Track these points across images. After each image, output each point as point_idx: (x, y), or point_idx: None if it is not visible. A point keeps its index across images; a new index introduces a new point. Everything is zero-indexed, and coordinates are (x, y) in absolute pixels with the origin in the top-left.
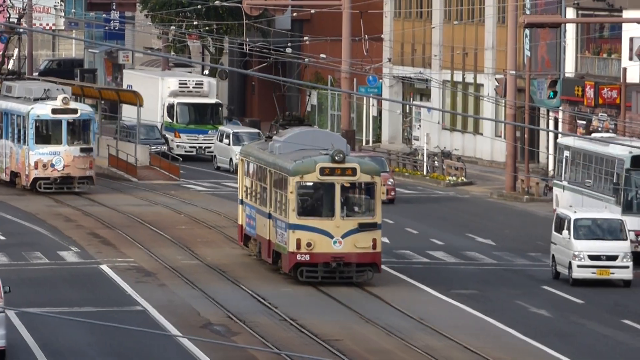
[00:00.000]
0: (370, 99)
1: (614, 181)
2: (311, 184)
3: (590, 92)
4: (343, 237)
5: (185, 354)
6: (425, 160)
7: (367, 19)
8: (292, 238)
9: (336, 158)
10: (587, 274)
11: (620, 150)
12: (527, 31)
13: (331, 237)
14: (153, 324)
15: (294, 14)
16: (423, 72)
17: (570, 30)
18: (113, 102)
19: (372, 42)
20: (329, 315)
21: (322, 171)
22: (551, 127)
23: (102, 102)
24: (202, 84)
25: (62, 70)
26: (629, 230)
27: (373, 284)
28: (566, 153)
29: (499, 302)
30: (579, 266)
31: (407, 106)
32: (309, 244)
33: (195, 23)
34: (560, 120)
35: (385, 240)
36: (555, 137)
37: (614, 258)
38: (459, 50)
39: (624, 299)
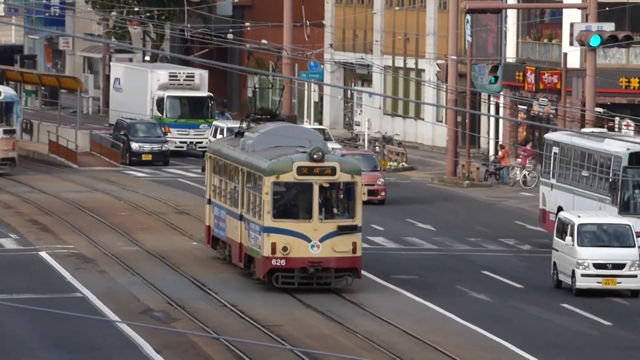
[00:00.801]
0: (312, 84)
1: (611, 180)
2: (288, 184)
3: (531, 77)
4: (321, 240)
5: (125, 340)
6: (366, 145)
7: (309, 5)
8: (266, 242)
9: (314, 156)
10: (591, 283)
11: (617, 146)
12: (468, 17)
13: (308, 240)
14: (93, 311)
15: (235, 0)
16: (364, 57)
17: (511, 15)
18: (53, 88)
19: (313, 28)
20: (269, 301)
21: (300, 170)
22: (492, 112)
23: (43, 88)
24: (193, 77)
25: (2, 56)
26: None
27: None
28: (555, 149)
29: (439, 287)
30: (583, 275)
31: (349, 92)
32: (284, 248)
33: (136, 9)
34: (501, 105)
35: None
36: (497, 122)
37: (621, 266)
38: (401, 36)
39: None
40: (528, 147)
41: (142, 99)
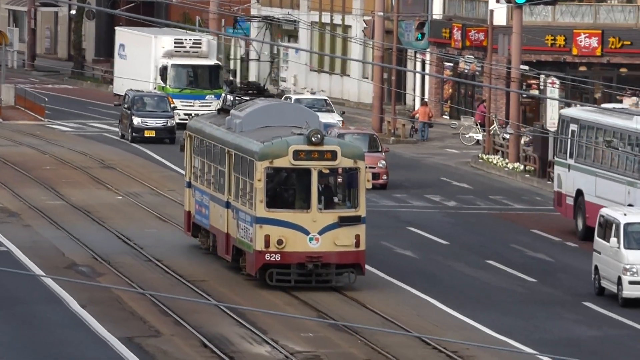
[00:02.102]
0: (239, 40)
1: None
2: (283, 169)
3: (457, 35)
4: (320, 233)
5: (50, 295)
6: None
7: None
8: (259, 234)
9: (313, 139)
10: None
11: None
12: None
13: (307, 233)
14: (17, 265)
15: None
16: (291, 13)
17: None
18: None
19: None
20: (194, 257)
21: (296, 155)
22: (418, 69)
23: None
24: (200, 44)
25: None
26: None
27: None
28: (573, 127)
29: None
30: (631, 282)
31: (275, 47)
32: (279, 242)
33: None
34: (427, 62)
35: None
36: (422, 79)
37: None
38: None
39: (487, 241)
40: (483, 106)
41: (146, 67)
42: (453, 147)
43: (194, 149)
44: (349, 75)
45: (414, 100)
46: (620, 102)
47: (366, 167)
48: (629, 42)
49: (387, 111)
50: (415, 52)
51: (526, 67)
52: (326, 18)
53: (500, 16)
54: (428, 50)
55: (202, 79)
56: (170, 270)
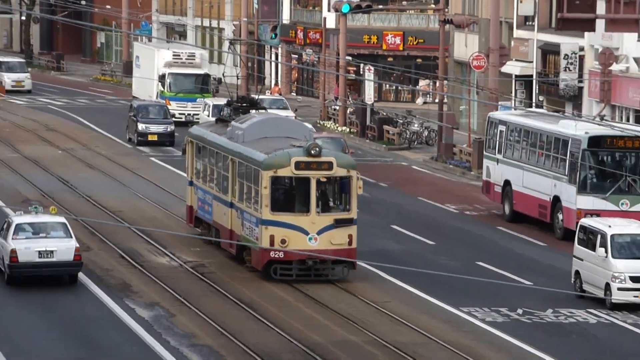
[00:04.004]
0: (145, 37)
1: (571, 160)
2: (285, 178)
3: (300, 34)
4: (318, 233)
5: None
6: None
7: None
8: (265, 234)
9: (312, 152)
10: (629, 297)
11: (575, 129)
12: None
13: (306, 233)
14: None
15: None
16: (181, 19)
17: None
18: None
19: None
20: (116, 192)
21: (298, 165)
22: (273, 59)
23: None
24: (194, 56)
25: None
26: (581, 209)
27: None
28: (501, 127)
29: None
30: (619, 289)
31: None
32: (283, 241)
33: None
34: (279, 54)
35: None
36: (277, 67)
37: None
38: (207, 3)
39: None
40: (337, 87)
41: (151, 75)
42: (309, 114)
43: (195, 153)
44: (224, 64)
45: (270, 81)
46: (417, 83)
47: (358, 175)
48: (422, 40)
49: (251, 89)
50: (271, 47)
51: (350, 58)
52: (206, 22)
53: (331, 21)
54: (279, 45)
55: (193, 85)
56: (97, 204)
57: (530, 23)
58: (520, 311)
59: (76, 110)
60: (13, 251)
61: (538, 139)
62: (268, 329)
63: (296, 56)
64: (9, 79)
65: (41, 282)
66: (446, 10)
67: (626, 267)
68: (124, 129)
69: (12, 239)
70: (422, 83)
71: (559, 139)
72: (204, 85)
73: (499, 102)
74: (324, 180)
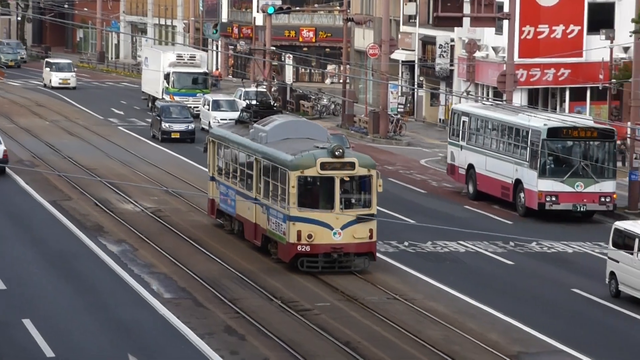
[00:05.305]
0: (115, 33)
1: (532, 149)
2: (311, 178)
3: (236, 30)
4: (342, 228)
5: (5, 177)
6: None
7: None
8: (292, 230)
9: (336, 153)
10: None
11: (534, 121)
12: None
13: (331, 228)
14: None
15: None
16: (142, 18)
17: None
18: None
19: (114, 2)
20: (91, 155)
21: (323, 166)
22: (216, 49)
23: None
24: (195, 57)
25: None
26: (542, 191)
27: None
28: (464, 118)
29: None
30: None
31: (135, 38)
32: (309, 236)
33: None
34: (220, 46)
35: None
36: (217, 55)
37: None
38: (163, 5)
39: None
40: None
41: (158, 74)
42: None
43: (217, 151)
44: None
45: (215, 68)
46: (325, 67)
47: (378, 174)
48: (330, 34)
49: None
50: (213, 40)
51: (274, 48)
52: (163, 21)
53: (259, 20)
54: (220, 39)
55: (194, 82)
56: (76, 163)
57: (413, 20)
58: (406, 243)
59: (60, 90)
60: None
61: (499, 129)
62: (211, 259)
63: (232, 47)
64: (56, 77)
65: None
66: (348, 10)
67: None
68: (100, 105)
69: None
70: (330, 67)
71: (519, 130)
72: (202, 82)
73: (389, 82)
74: (347, 179)
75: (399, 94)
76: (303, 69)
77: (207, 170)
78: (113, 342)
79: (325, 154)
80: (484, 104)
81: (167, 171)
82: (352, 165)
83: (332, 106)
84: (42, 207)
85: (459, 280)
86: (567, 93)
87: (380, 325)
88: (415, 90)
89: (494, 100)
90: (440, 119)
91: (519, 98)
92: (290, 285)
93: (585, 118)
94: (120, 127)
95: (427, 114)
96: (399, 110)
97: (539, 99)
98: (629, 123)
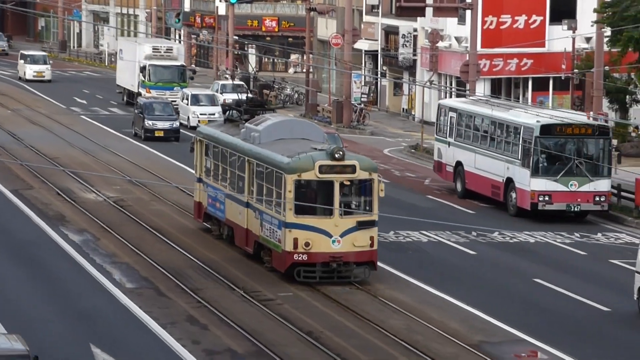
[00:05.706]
0: (77, 22)
1: (524, 147)
2: (309, 182)
3: (198, 20)
4: (342, 235)
5: None
6: (106, 57)
7: None
8: (288, 237)
9: (336, 156)
10: None
11: (526, 118)
12: None
13: (330, 236)
14: None
15: None
16: (105, 7)
17: None
18: None
19: None
20: (53, 144)
21: (321, 169)
22: (179, 38)
23: None
24: (171, 49)
25: None
26: (534, 191)
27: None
28: (451, 114)
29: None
30: None
31: (97, 27)
32: (307, 244)
33: None
34: (182, 35)
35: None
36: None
37: None
38: None
39: None
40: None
41: (133, 66)
42: (206, 82)
43: (204, 152)
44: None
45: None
46: (289, 57)
47: (379, 178)
48: (293, 24)
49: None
50: (176, 30)
51: (236, 37)
52: (125, 10)
53: (222, 9)
54: (182, 28)
55: (171, 76)
56: (39, 152)
57: (375, 10)
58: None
59: (34, 83)
60: None
61: (489, 126)
62: (173, 249)
63: (195, 36)
64: (31, 69)
65: None
66: (311, 0)
67: None
68: (62, 94)
69: None
70: (293, 57)
71: (510, 126)
72: (179, 75)
73: (352, 72)
74: (347, 183)
75: (362, 84)
76: (266, 59)
77: (192, 170)
78: (74, 331)
79: (324, 156)
80: (480, 99)
81: (130, 160)
82: (352, 169)
83: (296, 95)
84: (3, 196)
85: (421, 270)
86: (530, 83)
87: (343, 315)
88: (379, 79)
89: (490, 97)
90: (403, 109)
91: (482, 88)
92: (253, 275)
93: (579, 114)
94: (82, 116)
95: (390, 103)
96: (362, 99)
97: (502, 89)
98: (591, 113)
